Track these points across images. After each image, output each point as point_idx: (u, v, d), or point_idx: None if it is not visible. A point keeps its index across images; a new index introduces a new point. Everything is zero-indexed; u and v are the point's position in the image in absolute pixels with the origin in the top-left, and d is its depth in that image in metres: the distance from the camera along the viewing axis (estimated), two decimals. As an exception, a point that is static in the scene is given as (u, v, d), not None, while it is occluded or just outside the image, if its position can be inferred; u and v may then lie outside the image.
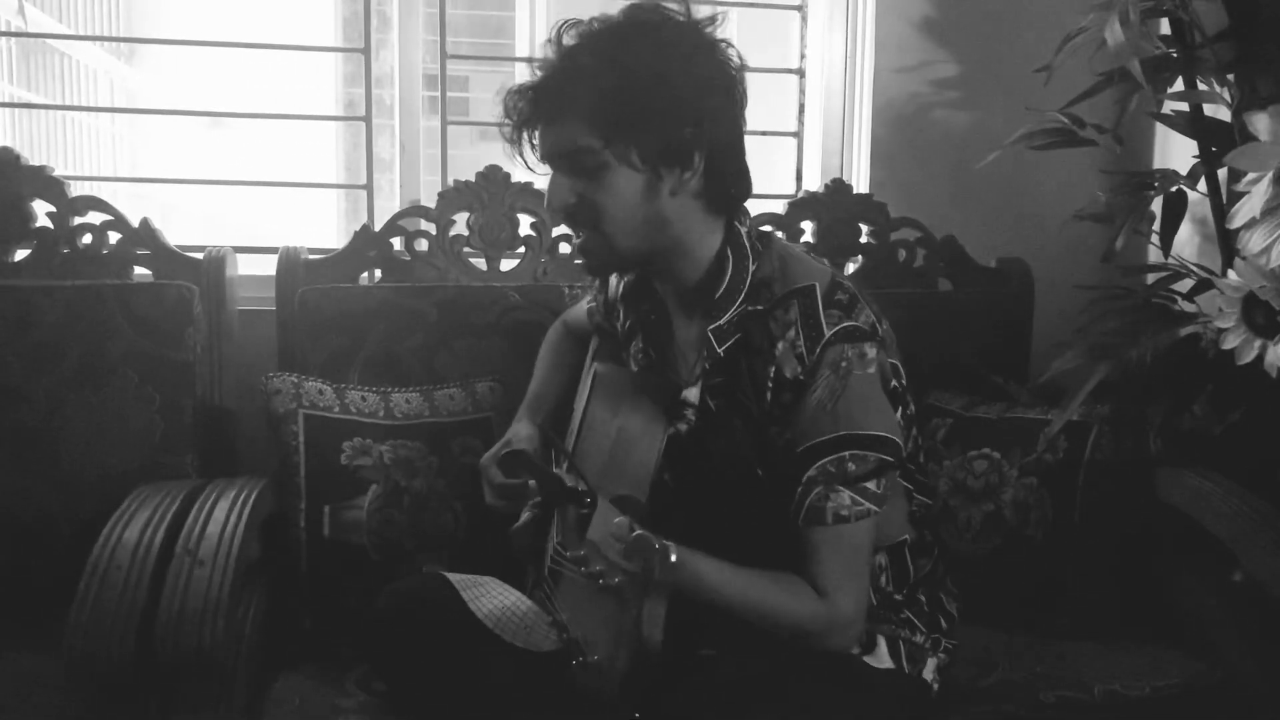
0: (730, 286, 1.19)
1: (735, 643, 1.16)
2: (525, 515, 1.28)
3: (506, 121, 1.18)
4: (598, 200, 1.14)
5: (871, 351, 1.13)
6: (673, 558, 0.99)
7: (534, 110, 1.16)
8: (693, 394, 1.21)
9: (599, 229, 1.16)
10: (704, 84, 1.13)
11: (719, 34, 1.16)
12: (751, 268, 1.19)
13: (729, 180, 1.18)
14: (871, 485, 1.12)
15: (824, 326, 1.13)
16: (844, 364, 1.12)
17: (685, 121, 1.12)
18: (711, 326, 1.19)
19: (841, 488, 1.11)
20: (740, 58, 1.17)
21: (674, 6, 1.15)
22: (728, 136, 1.17)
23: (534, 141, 1.18)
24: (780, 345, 1.15)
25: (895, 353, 1.19)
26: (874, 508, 1.12)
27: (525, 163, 1.21)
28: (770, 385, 1.15)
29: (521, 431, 1.37)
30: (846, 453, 1.11)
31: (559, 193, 1.16)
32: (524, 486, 1.27)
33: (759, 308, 1.17)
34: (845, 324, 1.13)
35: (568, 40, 1.15)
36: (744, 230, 1.21)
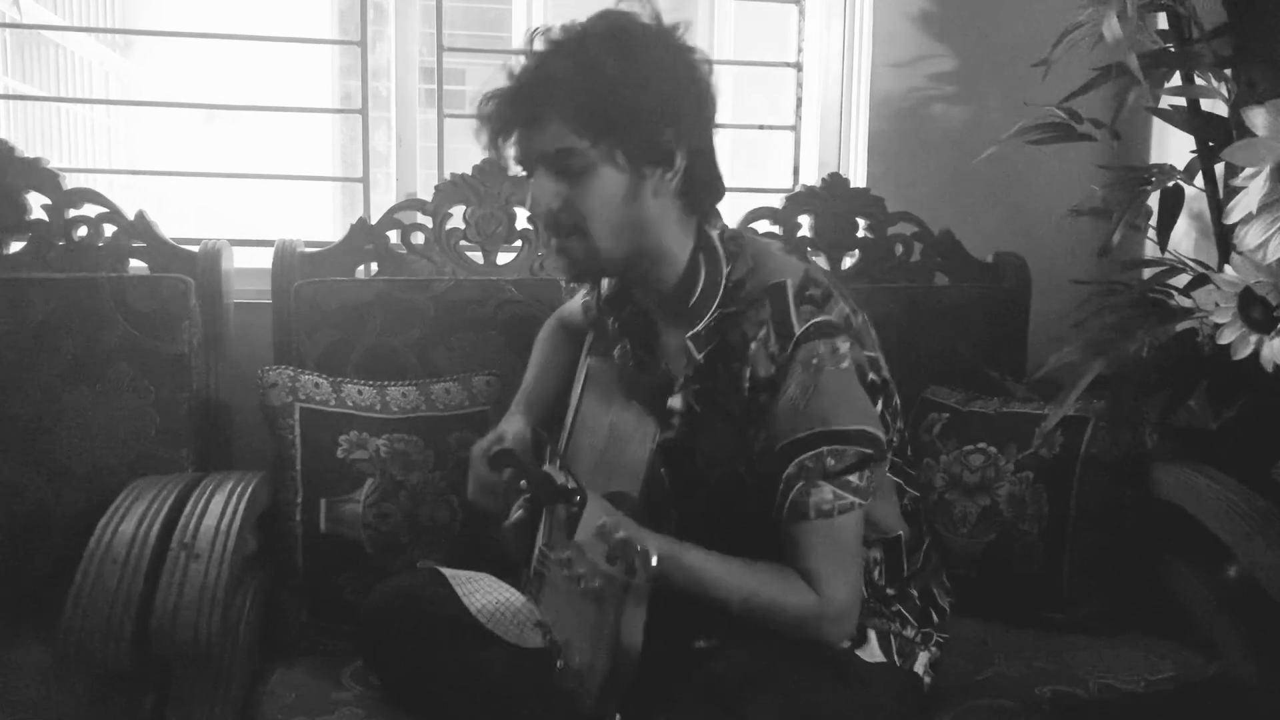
0: (704, 292, 1.19)
1: (732, 631, 1.15)
2: (518, 514, 1.27)
3: (484, 128, 1.17)
4: (582, 203, 1.14)
5: (844, 346, 1.13)
6: (654, 561, 0.96)
7: (513, 113, 1.15)
8: (676, 401, 1.21)
9: (583, 233, 1.16)
10: (680, 87, 1.14)
11: (688, 40, 1.17)
12: (726, 270, 1.20)
13: (705, 182, 1.19)
14: (854, 478, 1.12)
15: (794, 324, 1.14)
16: (815, 360, 1.12)
17: (666, 121, 1.13)
18: (690, 333, 1.19)
19: (822, 482, 1.11)
20: (709, 61, 1.18)
21: (642, 14, 1.15)
22: (703, 139, 1.18)
23: (513, 147, 1.17)
24: (753, 345, 1.15)
25: (874, 345, 1.20)
26: (858, 500, 1.12)
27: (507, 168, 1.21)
28: (747, 385, 1.15)
29: (514, 427, 1.36)
30: (824, 448, 1.11)
31: (543, 196, 1.15)
32: (506, 483, 1.26)
33: (734, 310, 1.18)
34: (817, 319, 1.13)
35: (540, 46, 1.15)
36: (715, 234, 1.22)
